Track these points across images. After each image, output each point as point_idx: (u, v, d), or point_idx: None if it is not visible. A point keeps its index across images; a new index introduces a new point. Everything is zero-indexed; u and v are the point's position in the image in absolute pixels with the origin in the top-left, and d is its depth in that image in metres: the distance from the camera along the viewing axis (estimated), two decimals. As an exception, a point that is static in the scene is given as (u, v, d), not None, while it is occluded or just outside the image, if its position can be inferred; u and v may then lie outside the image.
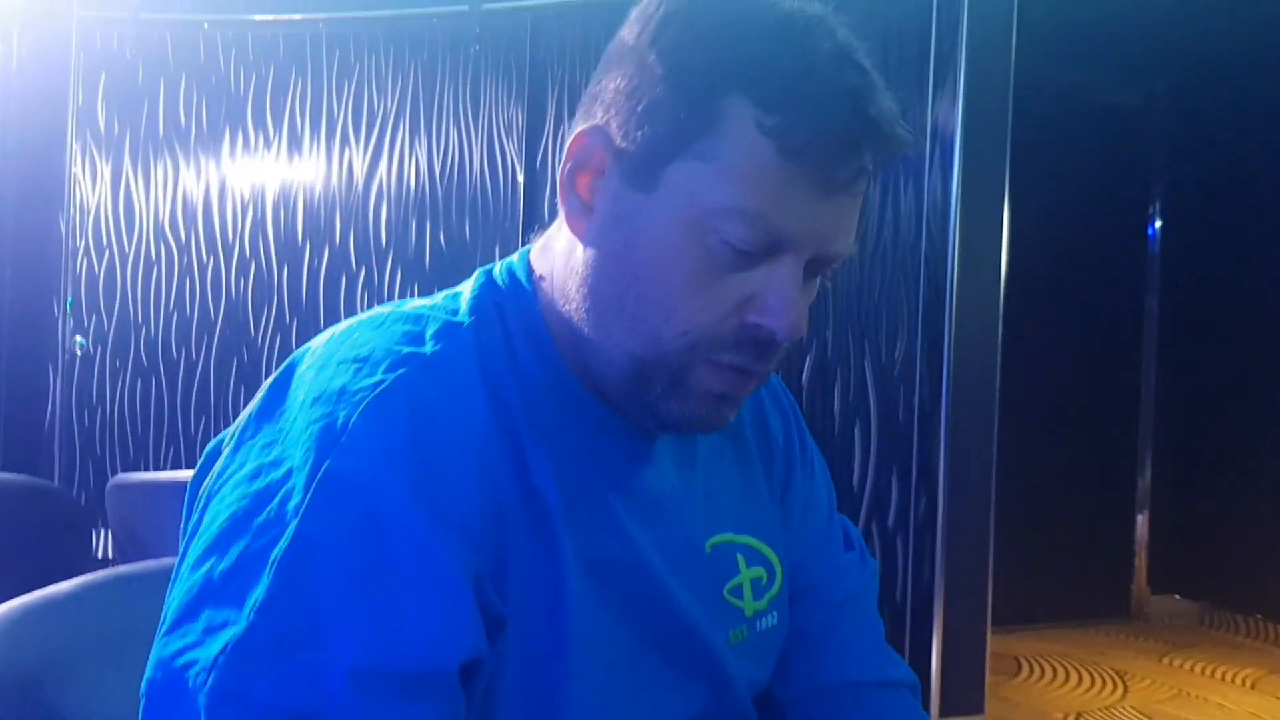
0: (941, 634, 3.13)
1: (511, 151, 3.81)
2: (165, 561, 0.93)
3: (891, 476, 3.24)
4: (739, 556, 0.84)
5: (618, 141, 0.70)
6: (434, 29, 3.94)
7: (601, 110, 0.71)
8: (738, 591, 0.83)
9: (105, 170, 4.27)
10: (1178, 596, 4.64)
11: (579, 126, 0.73)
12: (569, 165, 0.73)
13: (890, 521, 3.25)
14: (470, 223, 3.83)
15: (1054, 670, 3.87)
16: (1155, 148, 4.64)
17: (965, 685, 3.15)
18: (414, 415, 0.66)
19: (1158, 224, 4.66)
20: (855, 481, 3.30)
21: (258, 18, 4.09)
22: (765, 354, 0.70)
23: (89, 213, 4.27)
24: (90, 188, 4.27)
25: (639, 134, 0.69)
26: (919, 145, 0.72)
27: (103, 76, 4.23)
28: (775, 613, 0.86)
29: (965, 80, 3.08)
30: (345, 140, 4.07)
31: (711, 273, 0.68)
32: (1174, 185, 4.63)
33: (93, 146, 4.26)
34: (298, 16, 4.06)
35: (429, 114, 3.92)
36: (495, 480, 0.68)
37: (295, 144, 4.13)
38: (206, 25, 4.13)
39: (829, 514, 0.97)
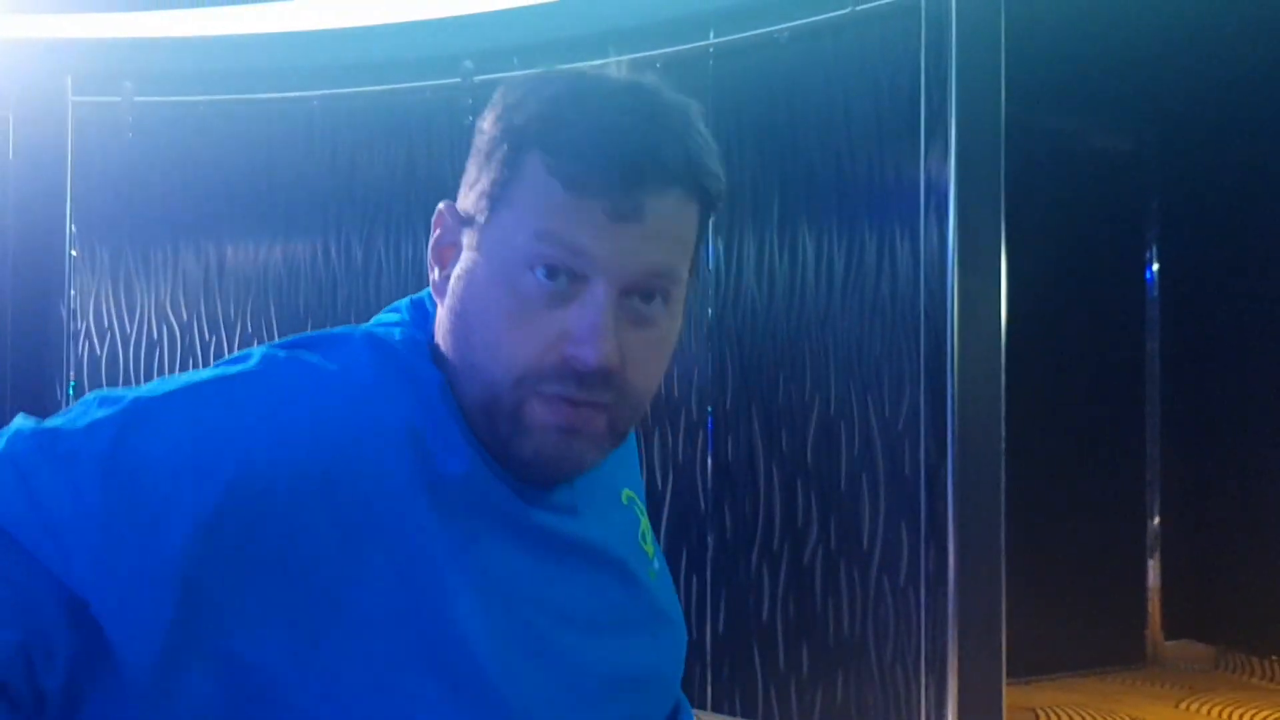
0: (957, 688, 3.09)
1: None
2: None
3: (901, 531, 3.22)
4: (637, 508, 0.93)
5: (461, 212, 0.80)
6: (427, 102, 3.98)
7: (460, 190, 0.82)
8: (644, 537, 0.93)
9: (104, 253, 4.29)
10: (1192, 641, 4.59)
11: (439, 206, 0.83)
12: (432, 241, 0.83)
13: (902, 577, 3.22)
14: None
15: (1071, 721, 3.82)
16: (1149, 191, 4.68)
17: (985, 740, 3.11)
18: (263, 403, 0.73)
19: (1155, 267, 4.68)
20: (865, 538, 3.27)
21: (252, 97, 4.13)
22: (586, 382, 0.74)
23: (89, 295, 4.28)
24: (90, 271, 4.29)
25: (470, 200, 0.79)
26: (716, 163, 0.75)
27: (99, 161, 4.27)
28: (657, 559, 0.94)
29: (957, 132, 3.11)
30: (343, 215, 4.10)
31: (527, 311, 0.75)
32: (1170, 227, 4.65)
33: (91, 230, 4.29)
34: (293, 94, 4.11)
35: (425, 186, 3.95)
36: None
37: (294, 221, 4.15)
38: (203, 105, 4.17)
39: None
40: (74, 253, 4.27)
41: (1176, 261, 4.65)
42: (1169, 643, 4.60)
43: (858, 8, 3.28)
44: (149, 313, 4.26)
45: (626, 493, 0.92)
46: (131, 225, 4.28)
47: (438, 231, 0.82)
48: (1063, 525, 4.39)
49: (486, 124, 0.78)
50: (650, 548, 0.93)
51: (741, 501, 3.50)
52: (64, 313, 4.25)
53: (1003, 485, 3.15)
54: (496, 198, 0.77)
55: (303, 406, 0.73)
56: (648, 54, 3.61)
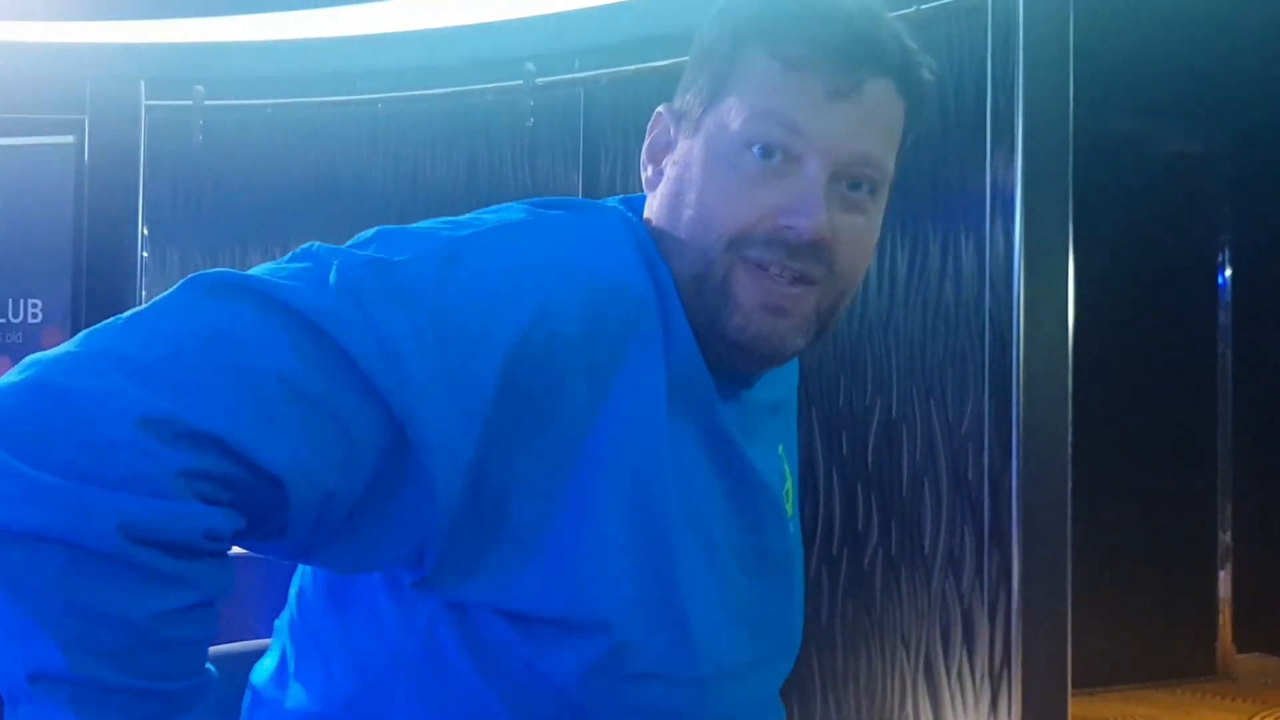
0: (1021, 698, 3.04)
1: (569, 221, 3.84)
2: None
3: (964, 537, 3.18)
4: (785, 467, 0.97)
5: (678, 110, 0.85)
6: (489, 104, 4.01)
7: (677, 94, 0.87)
8: (786, 495, 0.96)
9: (174, 254, 4.38)
10: (1264, 654, 4.47)
11: (658, 110, 0.88)
12: (648, 141, 0.88)
13: (965, 583, 3.18)
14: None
15: (1140, 733, 3.75)
16: (1221, 194, 4.57)
17: (1049, 752, 3.05)
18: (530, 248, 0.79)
19: (1228, 272, 4.57)
20: (927, 543, 3.23)
21: (318, 100, 4.19)
22: (795, 254, 0.77)
23: (158, 293, 4.37)
24: (160, 272, 4.38)
25: (688, 97, 0.84)
26: (929, 71, 0.75)
27: (170, 163, 4.35)
28: (795, 524, 0.98)
29: (1023, 134, 3.06)
30: (406, 216, 4.14)
31: (744, 184, 0.78)
32: (1242, 232, 4.55)
33: (161, 232, 4.38)
34: (357, 97, 4.16)
35: (488, 187, 3.98)
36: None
37: (357, 223, 4.19)
38: (270, 109, 4.24)
39: None
40: (145, 254, 4.36)
41: (1250, 266, 4.54)
42: (1240, 655, 4.50)
43: (922, 7, 3.24)
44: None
45: (781, 448, 0.96)
46: (200, 227, 4.36)
47: (654, 133, 0.87)
48: (1131, 534, 4.30)
49: (706, 27, 0.83)
50: (791, 508, 0.96)
51: (800, 505, 3.47)
52: (135, 312, 4.34)
53: (1069, 492, 3.09)
54: (717, 89, 0.81)
55: (585, 258, 0.78)
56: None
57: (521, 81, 3.88)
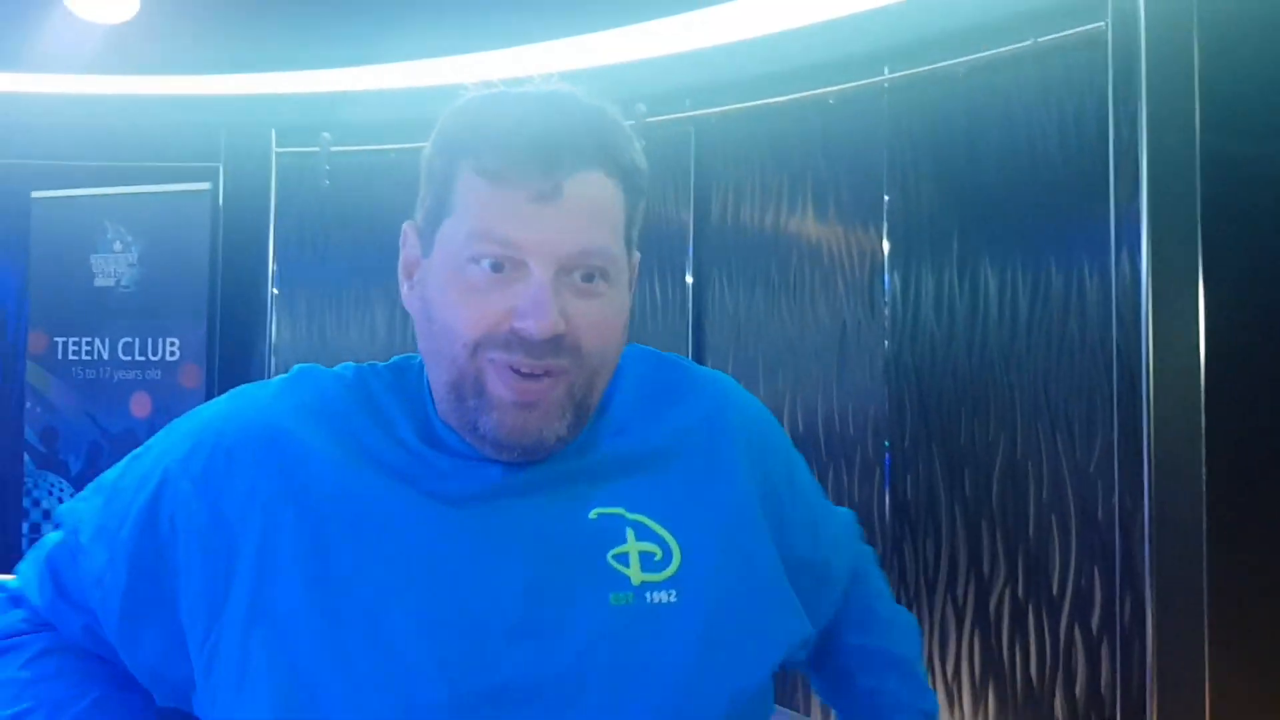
0: (1156, 747, 2.93)
1: (680, 255, 3.88)
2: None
3: (1094, 577, 3.09)
4: (629, 530, 0.89)
5: (417, 228, 0.90)
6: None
7: (416, 211, 0.91)
8: (623, 559, 0.88)
9: (302, 296, 4.54)
10: None
11: (404, 227, 0.93)
12: (401, 259, 0.93)
13: (1095, 625, 3.08)
14: (638, 324, 3.91)
15: (1286, 787, 3.56)
16: (1359, 219, 4.38)
17: (1186, 802, 2.93)
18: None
19: (1368, 299, 4.36)
20: (1055, 583, 3.15)
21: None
22: (536, 351, 0.81)
23: (287, 334, 4.54)
24: (288, 313, 4.54)
25: (420, 216, 0.89)
26: (631, 147, 0.79)
27: (298, 207, 4.53)
28: (674, 591, 0.88)
29: (1148, 163, 2.99)
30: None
31: (478, 294, 0.82)
32: (1384, 258, 4.34)
33: (291, 274, 4.55)
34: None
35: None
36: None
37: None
38: (393, 154, 4.38)
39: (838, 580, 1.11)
40: (275, 292, 4.53)
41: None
42: (1392, 706, 4.24)
43: (1040, 39, 3.20)
44: (340, 352, 4.48)
45: (598, 511, 0.89)
46: (325, 267, 4.52)
47: (404, 251, 0.93)
48: (1271, 573, 4.11)
49: (427, 147, 0.88)
50: (665, 572, 0.89)
51: (922, 543, 3.42)
52: (265, 350, 4.52)
53: (1205, 532, 2.98)
54: (440, 207, 0.86)
55: (213, 416, 0.92)
56: (819, 91, 3.62)
57: (634, 121, 3.94)
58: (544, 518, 0.87)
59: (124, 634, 0.87)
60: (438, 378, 0.87)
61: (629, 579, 0.88)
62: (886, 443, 3.51)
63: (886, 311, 3.53)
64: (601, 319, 0.84)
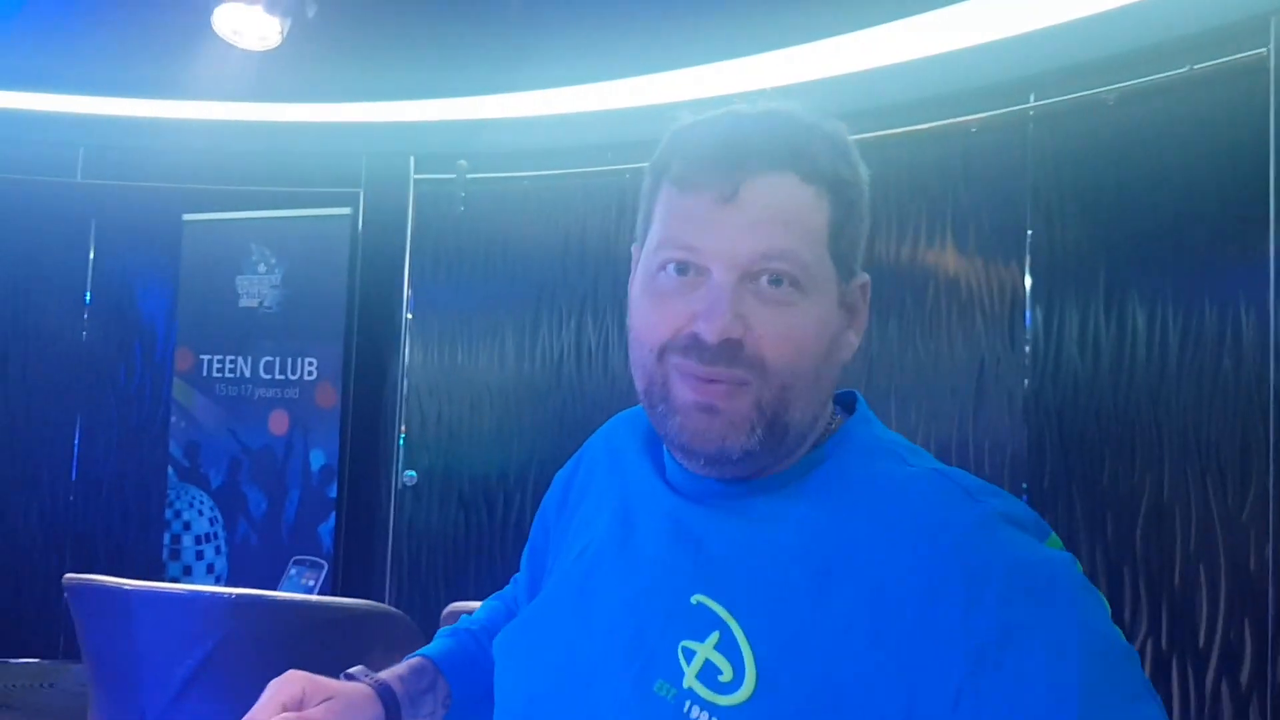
0: (1312, 813, 2.75)
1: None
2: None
3: (1244, 631, 2.93)
4: (716, 634, 0.81)
5: (637, 245, 0.93)
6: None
7: None
8: (690, 654, 0.81)
9: (434, 319, 4.64)
10: None
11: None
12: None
13: (1244, 681, 2.92)
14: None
15: None
16: None
17: None
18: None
19: None
20: (1202, 635, 3.00)
21: (570, 171, 4.37)
22: (711, 356, 0.81)
23: (419, 356, 4.63)
24: (420, 336, 4.64)
25: (639, 231, 0.92)
26: (831, 148, 0.84)
27: (434, 232, 4.63)
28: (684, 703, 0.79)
29: (1313, 196, 2.84)
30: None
31: (664, 299, 0.84)
32: None
33: (424, 297, 4.65)
34: (606, 168, 4.30)
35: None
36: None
37: (604, 285, 4.33)
38: (526, 180, 4.45)
39: None
40: (409, 316, 4.64)
41: None
42: None
43: (1196, 66, 3.08)
44: (470, 375, 4.56)
45: (698, 598, 0.82)
46: (457, 291, 4.61)
47: (632, 272, 0.95)
48: None
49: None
50: (691, 676, 0.80)
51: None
52: (398, 372, 4.62)
53: (1371, 587, 2.80)
54: (645, 225, 0.89)
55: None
56: (962, 119, 3.55)
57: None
58: (670, 553, 0.87)
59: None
60: (639, 387, 0.89)
61: (682, 676, 0.80)
62: (1024, 484, 3.40)
63: (1027, 348, 3.42)
64: (790, 333, 0.81)
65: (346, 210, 4.68)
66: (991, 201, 3.54)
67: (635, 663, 0.83)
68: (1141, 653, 3.12)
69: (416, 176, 4.64)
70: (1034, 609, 0.71)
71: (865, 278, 0.90)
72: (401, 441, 4.58)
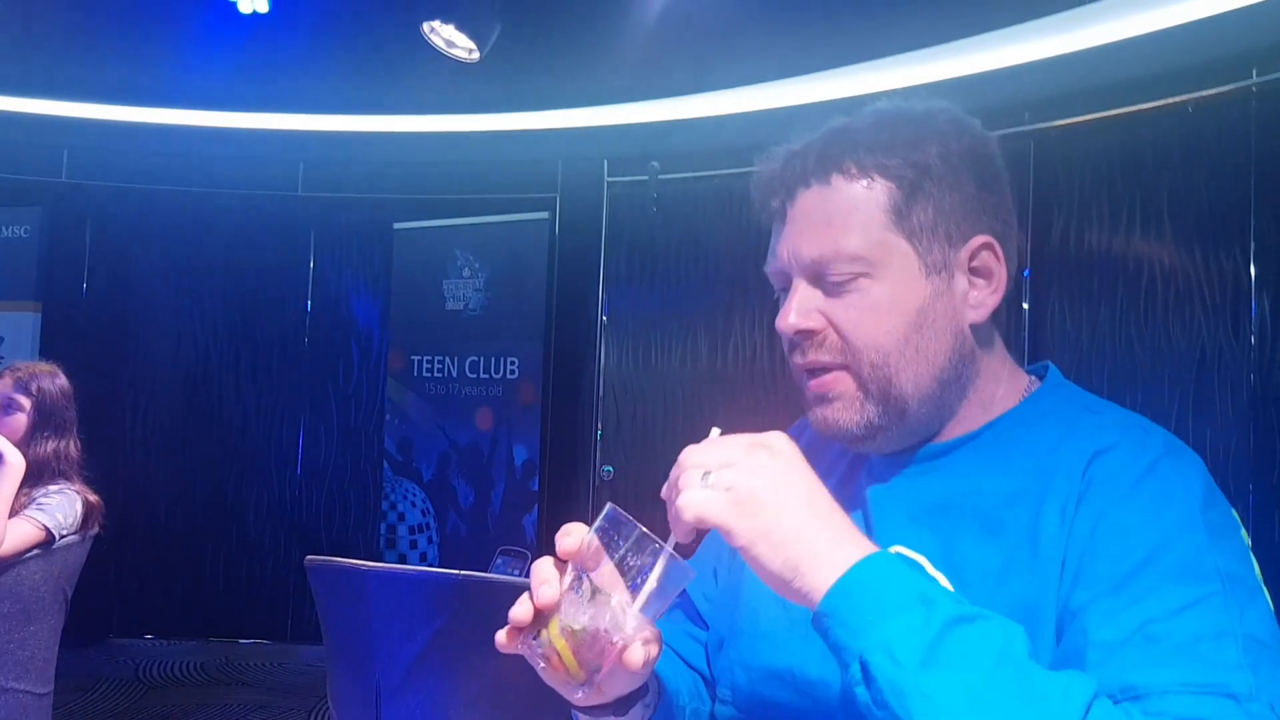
0: None
1: (1015, 278, 3.73)
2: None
3: None
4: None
5: None
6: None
7: None
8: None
9: (629, 321, 4.73)
10: None
11: None
12: None
13: None
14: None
15: None
16: None
17: None
18: None
19: None
20: None
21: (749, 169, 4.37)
22: (798, 348, 0.91)
23: (614, 357, 4.74)
24: (615, 337, 4.75)
25: None
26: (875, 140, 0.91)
27: (628, 233, 4.73)
28: None
29: None
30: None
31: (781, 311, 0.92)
32: None
33: (619, 298, 4.75)
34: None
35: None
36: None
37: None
38: (717, 179, 4.50)
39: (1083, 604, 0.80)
40: (605, 318, 4.75)
41: None
42: None
43: None
44: (663, 373, 4.63)
45: (899, 548, 0.90)
46: (651, 292, 4.69)
47: None
48: None
49: None
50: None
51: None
52: (595, 371, 4.74)
53: None
54: None
55: None
56: (1178, 99, 3.38)
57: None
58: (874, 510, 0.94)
59: None
60: None
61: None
62: (1250, 484, 3.21)
63: (1253, 339, 3.24)
64: (865, 315, 0.88)
65: (544, 215, 4.83)
66: (1212, 185, 3.36)
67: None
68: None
69: (610, 179, 4.75)
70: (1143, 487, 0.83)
71: (983, 239, 0.91)
72: (599, 437, 4.69)
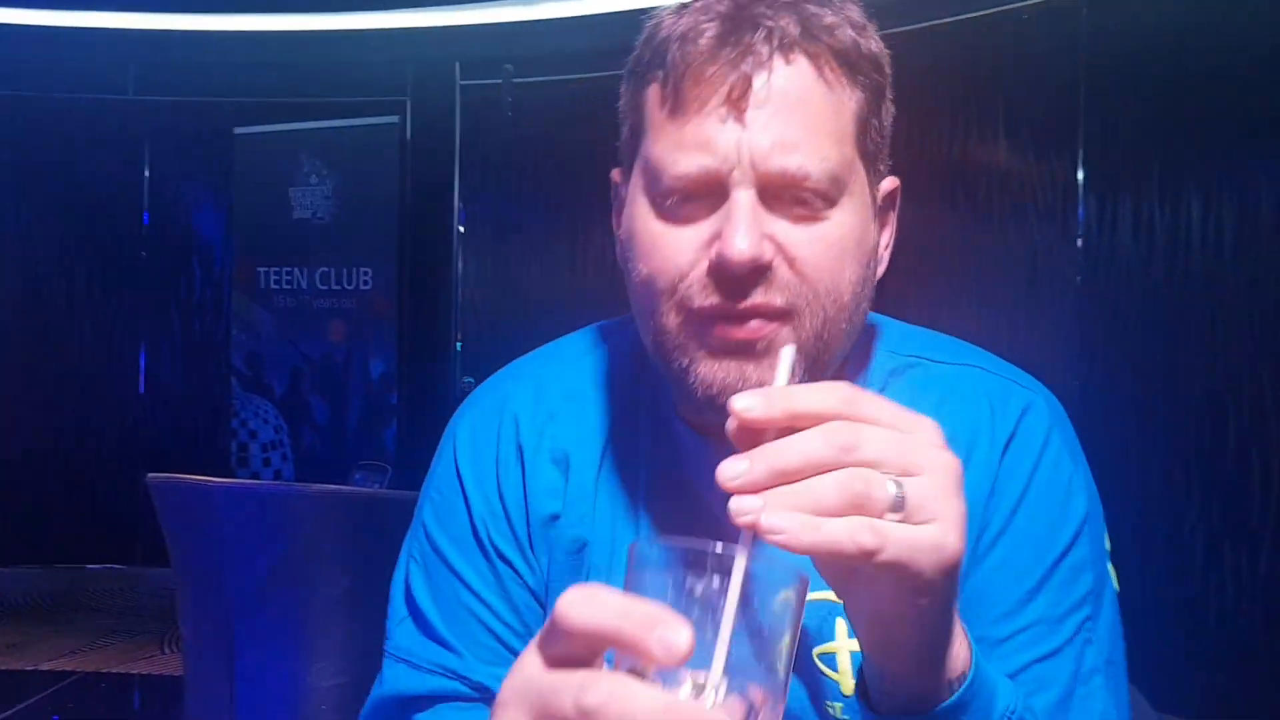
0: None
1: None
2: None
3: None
4: (840, 621, 0.74)
5: (619, 172, 0.78)
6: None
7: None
8: (830, 660, 0.74)
9: (486, 229, 4.67)
10: None
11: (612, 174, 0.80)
12: (613, 213, 0.79)
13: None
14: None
15: None
16: None
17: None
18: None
19: None
20: (1254, 518, 3.03)
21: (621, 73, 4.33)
22: (732, 289, 0.67)
23: (472, 267, 4.69)
24: (473, 246, 4.68)
25: (623, 152, 0.76)
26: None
27: (482, 140, 4.65)
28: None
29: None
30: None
31: (674, 229, 0.69)
32: None
33: (476, 207, 4.68)
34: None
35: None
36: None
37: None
38: (574, 84, 4.43)
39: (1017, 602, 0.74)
40: (461, 229, 4.68)
41: None
42: None
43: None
44: (525, 285, 4.61)
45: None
46: (508, 200, 4.64)
47: (615, 201, 0.79)
48: None
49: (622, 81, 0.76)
50: (846, 678, 0.73)
51: (1114, 477, 3.32)
52: (453, 282, 4.69)
53: None
54: (634, 141, 0.74)
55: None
56: (1013, 5, 3.48)
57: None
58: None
59: None
60: (647, 341, 0.75)
61: (838, 686, 0.74)
62: (1077, 376, 3.41)
63: (1080, 240, 3.41)
64: (827, 249, 0.68)
65: (394, 119, 4.70)
66: (1044, 92, 3.48)
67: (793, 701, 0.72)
68: (1193, 535, 3.16)
69: (463, 83, 4.64)
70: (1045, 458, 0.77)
71: (895, 182, 0.77)
72: (459, 349, 4.66)
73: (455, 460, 0.85)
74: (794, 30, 0.67)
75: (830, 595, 0.72)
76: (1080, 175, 3.40)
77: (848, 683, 0.73)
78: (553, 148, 4.53)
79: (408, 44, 4.62)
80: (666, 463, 0.80)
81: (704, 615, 0.45)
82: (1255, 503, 3.03)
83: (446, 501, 0.84)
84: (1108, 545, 0.79)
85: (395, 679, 0.81)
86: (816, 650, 0.74)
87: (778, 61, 0.67)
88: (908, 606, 0.51)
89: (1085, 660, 0.72)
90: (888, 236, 0.78)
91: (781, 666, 0.47)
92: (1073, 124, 3.40)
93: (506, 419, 0.84)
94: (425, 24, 4.55)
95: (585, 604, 0.44)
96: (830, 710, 0.74)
